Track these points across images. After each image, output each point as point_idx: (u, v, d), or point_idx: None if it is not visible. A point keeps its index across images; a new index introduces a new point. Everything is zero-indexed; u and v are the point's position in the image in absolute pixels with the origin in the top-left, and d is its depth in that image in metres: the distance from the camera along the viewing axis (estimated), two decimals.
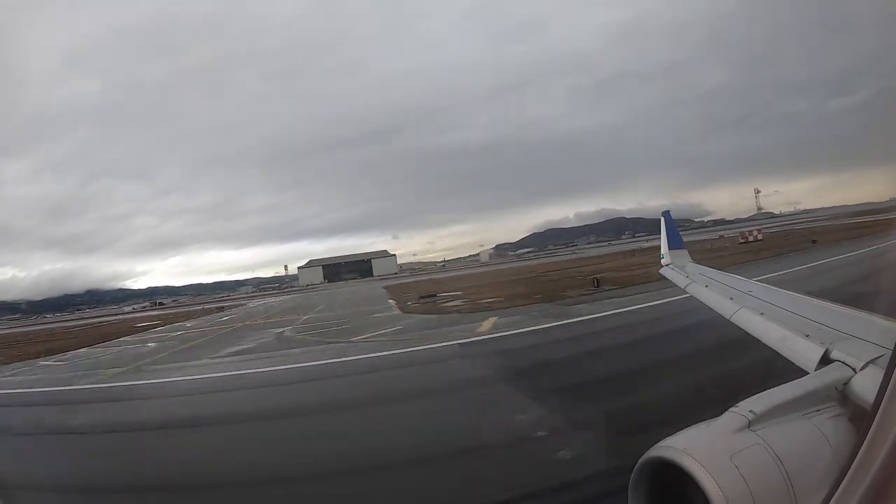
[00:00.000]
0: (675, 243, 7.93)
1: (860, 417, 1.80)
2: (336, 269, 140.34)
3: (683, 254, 7.77)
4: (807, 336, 2.81)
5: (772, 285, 4.52)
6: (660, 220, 8.52)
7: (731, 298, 4.43)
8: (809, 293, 3.87)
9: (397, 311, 28.49)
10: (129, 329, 43.35)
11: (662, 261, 8.00)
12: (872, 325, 2.80)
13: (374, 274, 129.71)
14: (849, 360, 2.27)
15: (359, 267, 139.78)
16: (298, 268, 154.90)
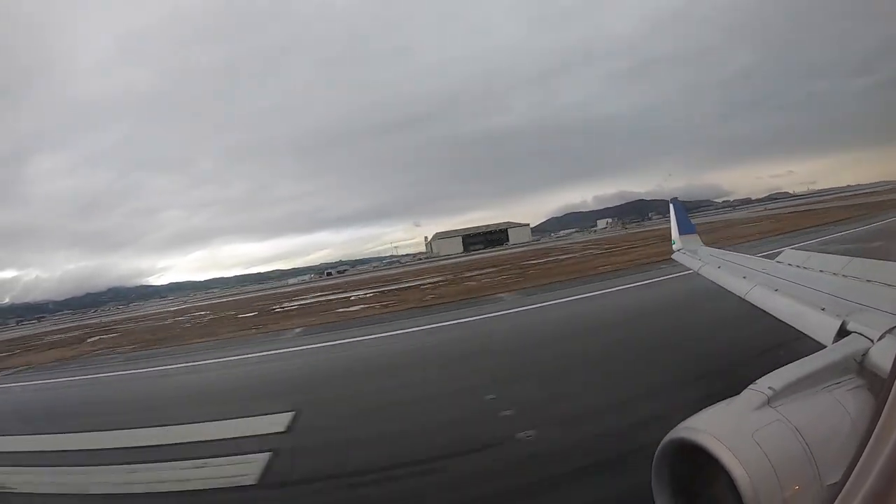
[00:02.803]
0: (685, 228, 7.98)
1: (880, 387, 1.80)
2: (473, 240, 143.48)
3: (694, 238, 7.80)
4: (822, 309, 2.80)
5: (786, 262, 4.49)
6: (673, 206, 8.55)
7: (745, 277, 4.42)
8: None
9: None
10: None
11: (674, 246, 8.01)
12: (888, 294, 2.78)
13: (510, 242, 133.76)
14: (866, 332, 2.26)
15: (496, 237, 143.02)
16: (433, 240, 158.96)
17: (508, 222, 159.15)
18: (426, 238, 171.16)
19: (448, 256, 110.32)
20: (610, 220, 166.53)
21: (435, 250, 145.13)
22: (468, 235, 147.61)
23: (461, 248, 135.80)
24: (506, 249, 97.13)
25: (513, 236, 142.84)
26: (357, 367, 12.48)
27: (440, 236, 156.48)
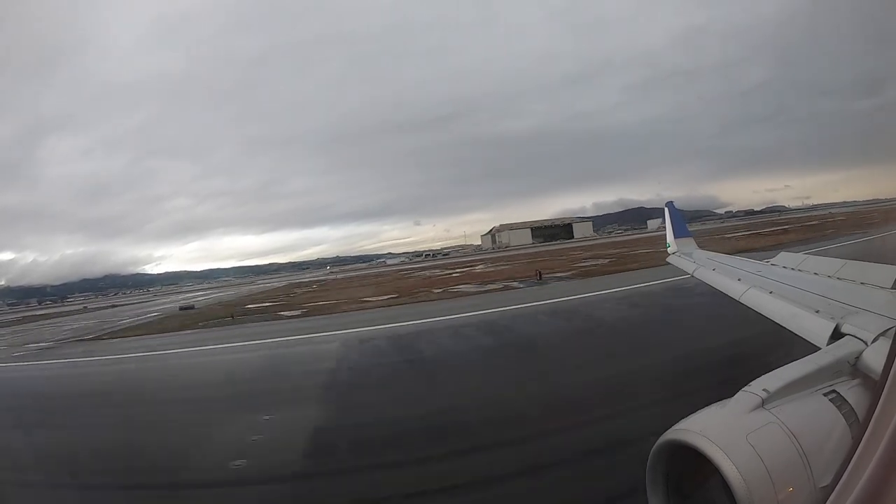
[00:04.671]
0: (680, 232, 8.01)
1: (873, 389, 1.81)
2: (539, 233, 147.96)
3: (689, 241, 7.83)
4: (817, 312, 2.81)
5: (780, 265, 4.51)
6: (669, 210, 8.59)
7: (740, 280, 4.44)
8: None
9: None
10: None
11: (669, 249, 8.04)
12: (883, 297, 2.80)
13: (575, 236, 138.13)
14: (860, 334, 2.27)
15: (559, 231, 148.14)
16: (499, 231, 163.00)
17: (572, 217, 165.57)
18: (495, 227, 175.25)
19: (521, 247, 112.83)
20: (661, 220, 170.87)
21: (504, 241, 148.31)
22: (535, 228, 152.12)
23: (530, 240, 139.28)
24: (580, 242, 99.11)
25: (576, 231, 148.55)
26: None
27: (506, 228, 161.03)
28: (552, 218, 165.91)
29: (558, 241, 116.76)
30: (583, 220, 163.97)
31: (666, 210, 8.55)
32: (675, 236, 7.93)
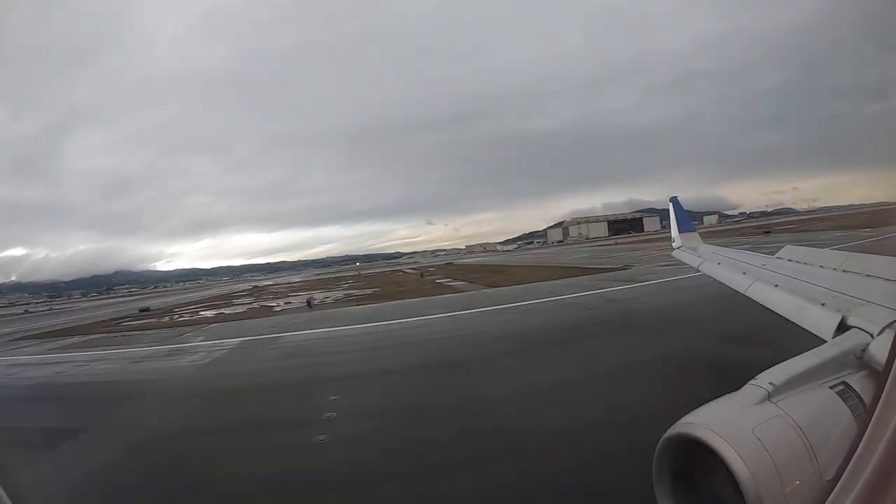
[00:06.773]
0: (684, 227, 8.03)
1: (879, 381, 1.80)
2: (614, 226, 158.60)
3: (694, 236, 7.84)
4: (822, 305, 2.80)
5: (785, 258, 4.49)
6: (673, 205, 8.59)
7: (745, 273, 4.43)
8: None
9: None
10: None
11: (673, 244, 8.04)
12: (888, 289, 2.79)
13: (645, 230, 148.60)
14: (866, 326, 2.27)
15: (630, 225, 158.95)
16: (572, 224, 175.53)
17: (642, 211, 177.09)
18: (565, 220, 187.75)
19: (596, 239, 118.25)
20: (717, 216, 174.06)
21: (584, 233, 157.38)
22: (612, 222, 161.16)
23: (606, 233, 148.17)
24: (653, 235, 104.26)
25: (647, 224, 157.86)
26: None
27: (583, 220, 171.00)
28: (623, 212, 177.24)
29: (631, 234, 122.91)
30: (651, 214, 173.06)
31: (670, 205, 8.56)
32: (680, 231, 7.95)
